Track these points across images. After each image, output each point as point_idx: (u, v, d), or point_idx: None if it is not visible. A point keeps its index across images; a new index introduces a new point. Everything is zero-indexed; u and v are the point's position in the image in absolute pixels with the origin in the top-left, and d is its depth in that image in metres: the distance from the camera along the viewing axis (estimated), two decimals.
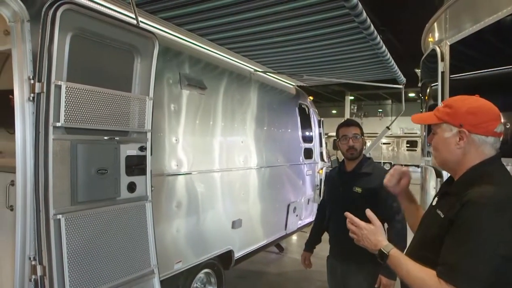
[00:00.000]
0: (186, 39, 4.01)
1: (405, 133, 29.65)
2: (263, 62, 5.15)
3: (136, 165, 2.86)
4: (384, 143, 28.66)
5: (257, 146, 5.04)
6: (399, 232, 2.80)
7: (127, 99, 2.78)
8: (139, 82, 2.90)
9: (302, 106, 6.69)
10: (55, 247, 2.30)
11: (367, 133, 24.42)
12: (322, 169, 7.42)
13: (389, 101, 38.90)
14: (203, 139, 4.04)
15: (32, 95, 2.34)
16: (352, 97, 31.30)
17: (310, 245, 3.45)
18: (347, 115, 25.94)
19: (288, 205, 5.92)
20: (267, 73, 5.50)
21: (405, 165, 27.65)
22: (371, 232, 1.59)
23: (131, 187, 2.81)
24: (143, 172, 2.91)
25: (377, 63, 4.93)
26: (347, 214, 1.71)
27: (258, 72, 5.25)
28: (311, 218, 7.06)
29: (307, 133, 6.77)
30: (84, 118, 2.47)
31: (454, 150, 1.52)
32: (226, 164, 4.38)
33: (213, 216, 4.15)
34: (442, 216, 1.47)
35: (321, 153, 7.39)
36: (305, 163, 6.58)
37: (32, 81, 2.34)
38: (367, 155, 3.18)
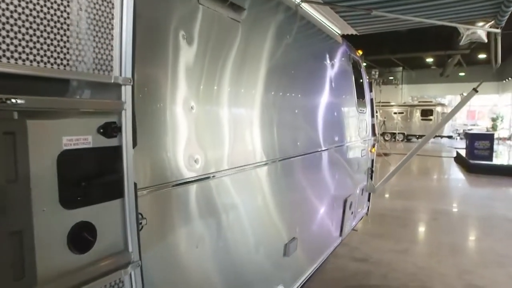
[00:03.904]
0: None
1: (420, 102, 27.87)
2: None
3: (93, 177, 1.04)
4: (396, 113, 26.96)
5: (312, 119, 3.21)
6: None
7: None
8: None
9: (355, 61, 4.80)
10: None
11: (383, 102, 22.59)
12: (374, 146, 5.60)
13: (400, 68, 36.83)
14: (240, 106, 2.16)
15: None
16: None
17: None
18: None
19: (345, 201, 4.15)
20: (318, 5, 3.58)
21: (419, 136, 26.03)
22: None
23: (79, 238, 1.00)
24: (113, 193, 1.09)
25: None
26: None
27: (304, 5, 3.33)
28: (362, 213, 5.33)
29: (361, 100, 4.91)
30: None
31: None
32: (278, 151, 2.55)
33: (256, 247, 2.33)
34: None
35: (373, 126, 5.56)
36: (361, 141, 4.76)
37: None
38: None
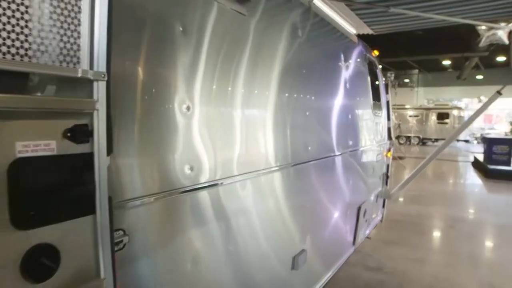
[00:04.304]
0: None
1: (436, 105, 27.42)
2: None
3: (57, 191, 0.87)
4: (411, 116, 26.55)
5: (325, 122, 3.01)
6: None
7: None
8: None
9: (371, 62, 4.58)
10: None
11: (399, 105, 22.19)
12: (390, 150, 5.37)
13: (416, 71, 36.30)
14: (245, 108, 1.97)
15: None
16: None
17: None
18: None
19: (359, 208, 3.93)
20: (333, 1, 3.38)
21: (435, 140, 25.51)
22: None
23: (37, 264, 0.83)
24: (82, 209, 0.92)
25: None
26: None
27: (318, 2, 3.13)
28: (376, 220, 5.10)
29: (377, 102, 4.68)
30: None
31: None
32: (291, 157, 2.35)
33: (263, 260, 2.15)
34: None
35: (389, 129, 5.32)
36: (376, 145, 4.54)
37: None
38: None
